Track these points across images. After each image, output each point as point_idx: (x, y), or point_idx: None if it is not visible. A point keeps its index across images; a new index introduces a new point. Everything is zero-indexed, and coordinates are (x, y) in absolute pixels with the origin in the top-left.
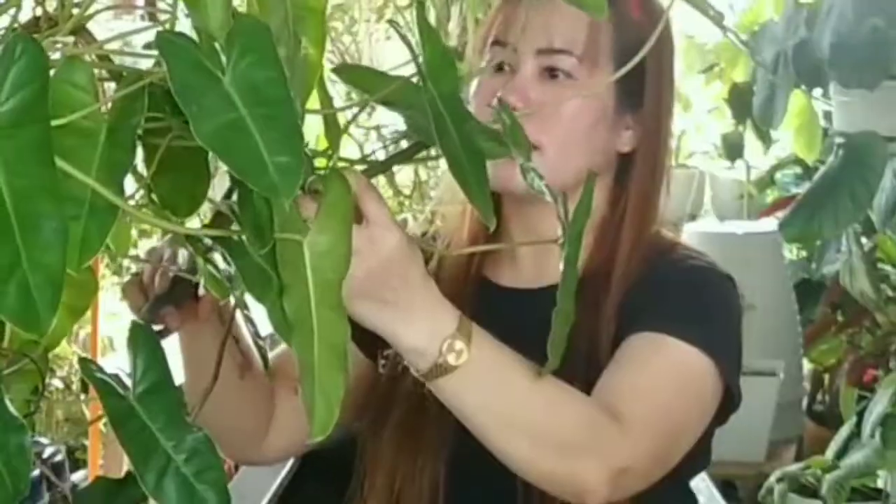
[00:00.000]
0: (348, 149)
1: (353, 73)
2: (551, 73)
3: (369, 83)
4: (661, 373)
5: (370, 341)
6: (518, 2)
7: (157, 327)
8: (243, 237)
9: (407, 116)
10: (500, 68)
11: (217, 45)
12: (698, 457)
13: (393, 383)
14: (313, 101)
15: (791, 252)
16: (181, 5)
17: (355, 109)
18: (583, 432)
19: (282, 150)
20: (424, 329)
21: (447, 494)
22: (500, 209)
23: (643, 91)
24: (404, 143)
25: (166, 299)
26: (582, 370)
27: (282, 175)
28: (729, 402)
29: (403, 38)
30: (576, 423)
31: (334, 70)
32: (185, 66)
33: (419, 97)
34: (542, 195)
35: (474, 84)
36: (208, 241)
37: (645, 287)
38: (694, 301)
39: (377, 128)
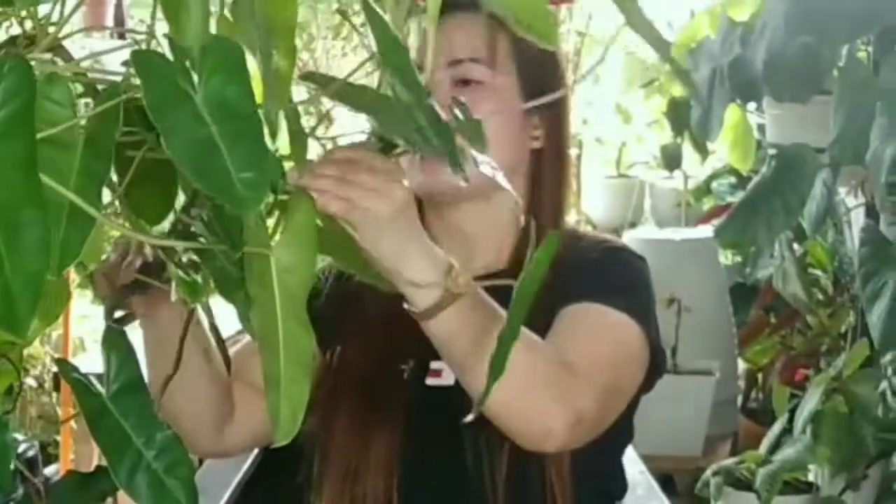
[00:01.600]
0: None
1: (320, 81)
2: (464, 83)
3: (341, 94)
4: (599, 333)
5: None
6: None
7: (119, 312)
8: (213, 243)
9: (378, 121)
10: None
11: (188, 63)
12: (625, 428)
13: (341, 374)
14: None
15: (726, 257)
16: (157, 25)
17: (314, 121)
18: (552, 376)
19: (248, 166)
20: (430, 264)
21: (403, 470)
22: (422, 212)
23: (547, 91)
24: None
25: (133, 287)
26: None
27: (247, 190)
28: (653, 367)
29: (356, 28)
30: (546, 367)
31: (302, 77)
32: (158, 83)
33: (387, 103)
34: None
35: None
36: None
37: (567, 268)
38: (616, 274)
39: (334, 138)
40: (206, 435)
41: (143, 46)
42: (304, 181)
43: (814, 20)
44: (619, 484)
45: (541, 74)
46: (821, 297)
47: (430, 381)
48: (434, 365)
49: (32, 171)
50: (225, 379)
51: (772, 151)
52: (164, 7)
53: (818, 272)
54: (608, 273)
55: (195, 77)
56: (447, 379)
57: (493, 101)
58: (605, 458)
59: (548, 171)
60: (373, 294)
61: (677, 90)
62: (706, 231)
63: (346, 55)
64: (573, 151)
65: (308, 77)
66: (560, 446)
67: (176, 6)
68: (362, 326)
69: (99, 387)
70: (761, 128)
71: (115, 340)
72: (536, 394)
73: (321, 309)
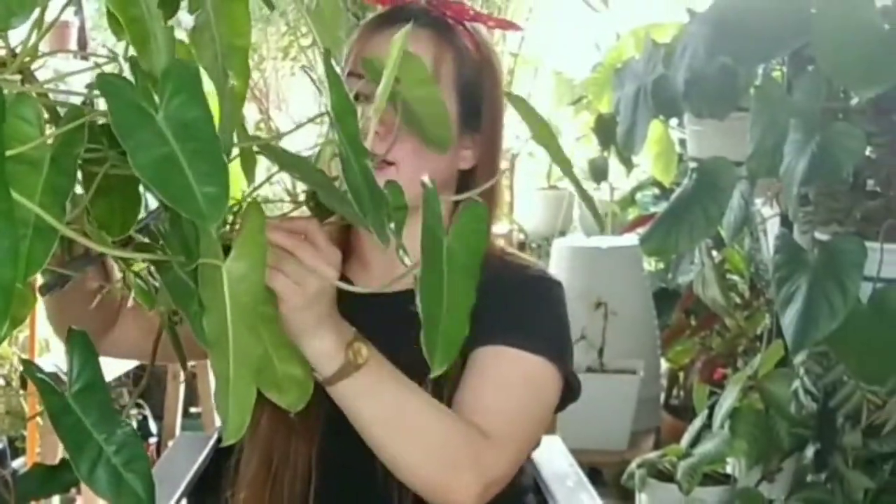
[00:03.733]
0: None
1: (267, 149)
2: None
3: (281, 159)
4: (514, 387)
5: None
6: (369, 37)
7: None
8: (170, 255)
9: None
10: (356, 98)
11: (150, 86)
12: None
13: None
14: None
15: (650, 264)
16: (119, 49)
17: (273, 170)
18: (459, 448)
19: (209, 182)
20: (332, 336)
21: (320, 474)
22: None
23: (481, 114)
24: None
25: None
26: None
27: (209, 204)
28: (569, 393)
29: (314, 83)
30: (453, 438)
31: (253, 139)
32: (122, 104)
33: (319, 177)
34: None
35: None
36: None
37: (488, 298)
38: (533, 311)
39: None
40: None
41: (106, 68)
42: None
43: (731, 42)
44: (526, 479)
45: (478, 96)
46: (738, 300)
47: None
48: None
49: (3, 185)
50: (112, 307)
51: (692, 164)
52: (132, 38)
53: (736, 277)
54: (526, 310)
55: (156, 98)
56: None
57: None
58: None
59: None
60: None
61: (604, 107)
62: (631, 239)
63: (294, 75)
64: (504, 164)
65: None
66: None
67: (144, 37)
68: None
69: (61, 385)
70: (682, 142)
71: (78, 342)
72: (445, 469)
73: None
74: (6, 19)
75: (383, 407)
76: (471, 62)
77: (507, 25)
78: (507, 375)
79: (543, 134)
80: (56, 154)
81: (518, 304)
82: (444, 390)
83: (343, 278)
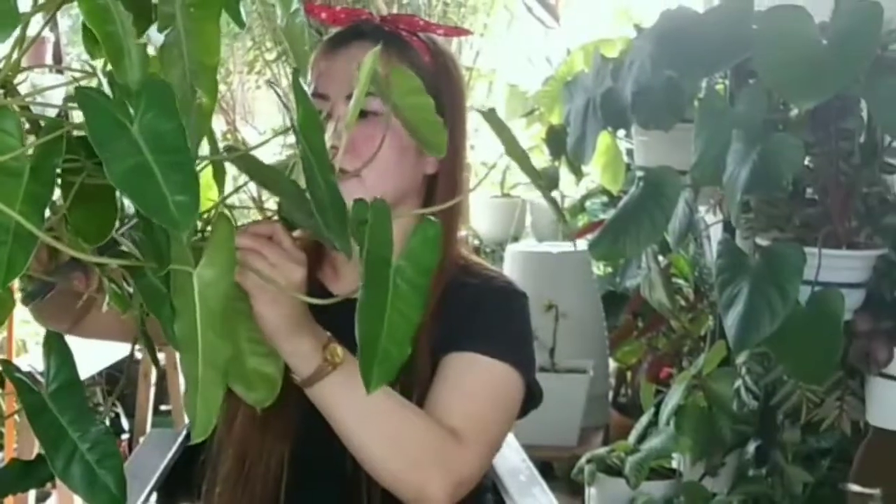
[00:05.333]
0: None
1: (242, 160)
2: (361, 114)
3: (254, 170)
4: (482, 392)
5: None
6: (328, 56)
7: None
8: (143, 261)
9: (281, 201)
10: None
11: (126, 99)
12: None
13: None
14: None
15: (599, 268)
16: (97, 64)
17: (240, 179)
18: (431, 447)
19: (181, 191)
20: (308, 337)
21: (292, 472)
22: None
23: (444, 121)
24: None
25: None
26: (399, 379)
27: (181, 211)
28: (530, 400)
29: (280, 97)
30: (425, 438)
31: (226, 149)
32: (99, 116)
33: (291, 188)
34: None
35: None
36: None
37: (457, 307)
38: (500, 320)
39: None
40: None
41: (82, 82)
42: None
43: (676, 57)
44: (486, 480)
45: (440, 107)
46: (683, 303)
47: None
48: None
49: None
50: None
51: (639, 173)
52: (107, 52)
53: (681, 281)
54: (493, 319)
55: (132, 111)
56: None
57: (388, 132)
58: None
59: (441, 193)
60: None
61: (555, 118)
62: (581, 245)
63: (260, 88)
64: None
65: (229, 150)
66: None
67: (119, 52)
68: None
69: (38, 384)
70: (630, 152)
71: (54, 344)
72: (417, 467)
73: None
74: None
75: (359, 407)
76: (426, 72)
77: (457, 32)
78: (476, 381)
79: (513, 147)
80: (35, 164)
81: (487, 313)
82: (414, 393)
83: (316, 283)
